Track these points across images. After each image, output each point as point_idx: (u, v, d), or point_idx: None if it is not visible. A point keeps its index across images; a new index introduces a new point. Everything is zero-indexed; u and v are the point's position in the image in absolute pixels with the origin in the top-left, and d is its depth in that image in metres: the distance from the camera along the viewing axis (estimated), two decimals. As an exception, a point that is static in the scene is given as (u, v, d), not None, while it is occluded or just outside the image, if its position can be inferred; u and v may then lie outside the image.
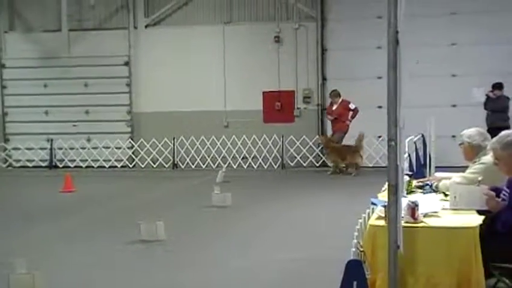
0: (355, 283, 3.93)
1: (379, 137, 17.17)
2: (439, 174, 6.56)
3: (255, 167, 18.02)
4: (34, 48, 19.63)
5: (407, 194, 5.52)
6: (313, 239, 8.86)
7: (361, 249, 4.47)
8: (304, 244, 8.54)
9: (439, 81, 17.21)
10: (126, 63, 19.21)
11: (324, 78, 18.28)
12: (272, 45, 18.34)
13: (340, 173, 16.19)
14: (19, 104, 19.73)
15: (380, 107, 16.98)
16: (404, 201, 4.56)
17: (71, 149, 19.35)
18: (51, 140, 19.45)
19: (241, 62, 18.48)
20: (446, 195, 5.59)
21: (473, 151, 5.74)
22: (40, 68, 19.43)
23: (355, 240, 4.57)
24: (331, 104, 16.79)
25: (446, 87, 17.25)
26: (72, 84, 19.23)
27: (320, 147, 17.22)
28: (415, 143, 12.91)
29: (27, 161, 19.62)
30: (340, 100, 16.59)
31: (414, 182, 6.13)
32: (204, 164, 18.49)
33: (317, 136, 17.01)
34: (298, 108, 18.28)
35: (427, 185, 5.98)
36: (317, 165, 17.93)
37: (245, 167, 18.08)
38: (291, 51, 18.25)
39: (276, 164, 17.86)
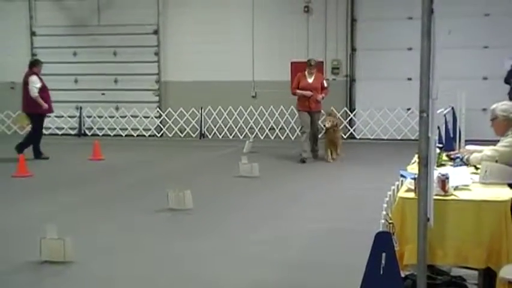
0: (383, 255, 3.91)
1: (408, 109, 17.03)
2: (470, 147, 6.47)
3: (282, 138, 18.00)
4: (64, 16, 19.73)
5: (437, 166, 5.45)
6: (340, 211, 8.86)
7: (390, 221, 4.44)
8: (331, 216, 8.53)
9: (471, 52, 16.93)
10: (155, 32, 19.21)
11: (353, 49, 18.10)
12: (301, 15, 18.17)
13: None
14: (49, 71, 19.74)
15: (409, 79, 16.84)
16: (435, 174, 4.50)
17: (100, 117, 19.51)
18: (80, 108, 19.64)
19: (270, 31, 18.36)
20: (477, 168, 5.52)
21: (508, 125, 5.60)
22: (70, 36, 19.54)
23: (384, 212, 4.55)
24: (303, 76, 13.54)
25: (477, 59, 16.97)
26: (101, 52, 19.33)
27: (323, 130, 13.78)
28: (445, 115, 12.74)
29: (57, 128, 19.83)
30: (316, 72, 13.79)
31: (444, 155, 6.05)
32: (231, 135, 18.53)
33: (325, 116, 13.67)
34: (326, 79, 18.10)
35: (458, 157, 5.90)
36: (345, 137, 17.83)
37: (272, 137, 18.07)
38: (320, 21, 18.06)
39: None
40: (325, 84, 13.73)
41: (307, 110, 13.45)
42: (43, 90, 14.01)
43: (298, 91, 13.37)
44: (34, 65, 14.26)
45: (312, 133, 13.60)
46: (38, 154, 14.11)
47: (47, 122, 19.84)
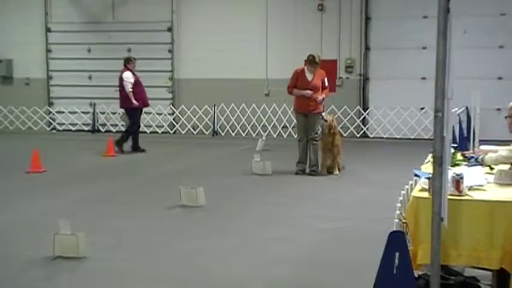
0: (397, 254, 3.90)
1: (422, 108, 16.97)
2: (485, 147, 6.43)
3: (295, 136, 17.93)
4: (79, 12, 19.84)
5: (451, 166, 5.42)
6: (353, 210, 8.84)
7: (404, 221, 4.43)
8: (344, 215, 8.51)
9: (486, 52, 16.83)
10: (169, 29, 19.26)
11: (367, 48, 18.05)
12: (315, 13, 18.14)
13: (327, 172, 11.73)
14: (63, 68, 20.01)
15: (424, 78, 16.76)
16: (449, 174, 4.48)
17: (113, 113, 19.57)
18: (94, 104, 19.72)
19: (284, 30, 18.34)
20: (491, 168, 5.49)
21: (523, 124, 5.57)
22: (84, 32, 19.65)
23: (398, 212, 4.53)
24: (302, 73, 11.71)
25: (492, 59, 16.87)
26: (115, 49, 19.37)
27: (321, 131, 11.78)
28: (458, 115, 12.69)
29: (70, 124, 19.96)
30: (317, 69, 11.73)
31: (459, 154, 6.03)
32: (244, 132, 18.54)
33: (324, 114, 11.86)
34: (340, 77, 18.11)
35: (473, 157, 5.87)
36: (358, 135, 17.81)
37: (285, 136, 18.05)
38: (334, 20, 18.03)
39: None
40: (326, 83, 11.81)
41: (304, 112, 11.65)
42: (137, 85, 14.43)
43: (295, 90, 11.65)
44: (127, 62, 14.66)
45: (307, 140, 11.68)
46: (135, 147, 14.69)
47: (61, 117, 20.12)
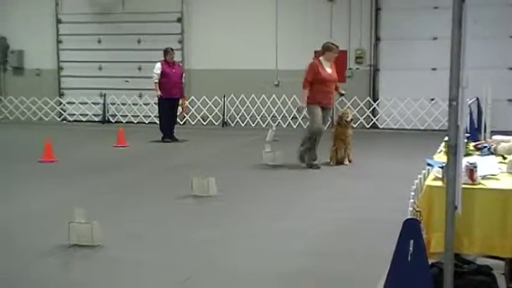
0: (411, 242, 3.93)
1: (432, 99, 16.95)
2: (497, 137, 6.44)
3: (305, 127, 17.95)
4: (89, 3, 19.89)
5: (464, 155, 5.44)
6: (364, 200, 8.86)
7: (417, 209, 4.46)
8: (354, 205, 8.53)
9: (496, 42, 16.76)
10: (179, 20, 19.28)
11: (377, 39, 18.02)
12: (325, 3, 18.12)
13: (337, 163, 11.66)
14: (74, 59, 20.08)
15: (434, 69, 16.73)
16: (463, 163, 4.50)
17: (123, 104, 19.66)
18: (104, 95, 19.80)
19: (293, 20, 18.33)
20: (504, 158, 5.51)
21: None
22: (95, 23, 19.70)
23: (412, 200, 4.56)
24: (319, 63, 11.24)
25: (503, 49, 16.81)
26: (125, 40, 19.46)
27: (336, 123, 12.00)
28: (469, 106, 12.68)
29: (81, 115, 20.06)
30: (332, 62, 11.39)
31: (472, 145, 6.04)
32: (253, 123, 18.57)
33: (340, 109, 12.02)
34: (350, 68, 18.10)
35: (485, 147, 5.89)
36: (367, 126, 17.82)
37: (295, 126, 18.07)
38: (344, 10, 18.00)
39: (326, 125, 17.79)
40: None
41: (326, 106, 11.36)
42: (163, 76, 14.63)
43: (306, 92, 11.12)
44: (165, 54, 14.93)
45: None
46: (164, 136, 14.95)
47: (71, 108, 20.21)
